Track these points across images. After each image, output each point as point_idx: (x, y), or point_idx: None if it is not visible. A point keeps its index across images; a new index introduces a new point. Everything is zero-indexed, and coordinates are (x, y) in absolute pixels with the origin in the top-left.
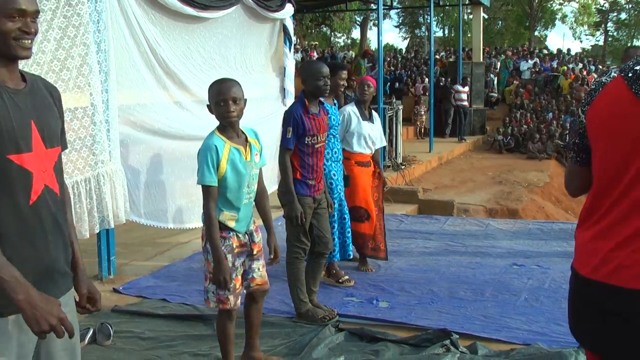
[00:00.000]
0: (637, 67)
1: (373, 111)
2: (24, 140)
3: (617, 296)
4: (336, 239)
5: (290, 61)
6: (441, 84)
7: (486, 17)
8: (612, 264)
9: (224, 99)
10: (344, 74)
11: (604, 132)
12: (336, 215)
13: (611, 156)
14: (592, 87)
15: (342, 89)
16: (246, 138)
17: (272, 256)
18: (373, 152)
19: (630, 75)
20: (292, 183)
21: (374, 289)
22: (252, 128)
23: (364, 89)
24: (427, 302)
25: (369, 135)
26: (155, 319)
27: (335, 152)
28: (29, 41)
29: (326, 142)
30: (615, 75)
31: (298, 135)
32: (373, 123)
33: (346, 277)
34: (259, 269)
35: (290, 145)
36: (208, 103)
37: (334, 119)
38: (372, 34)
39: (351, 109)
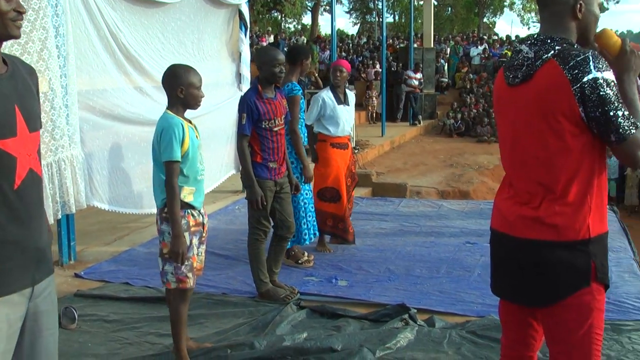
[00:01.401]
0: (510, 55)
1: (348, 91)
2: (8, 125)
3: (524, 247)
4: (304, 222)
5: (246, 47)
6: (393, 69)
7: (436, 3)
8: (517, 218)
9: (200, 86)
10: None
11: (496, 113)
12: (300, 200)
13: (501, 133)
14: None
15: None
16: (190, 121)
17: None
18: (350, 134)
19: (505, 64)
20: (250, 167)
21: (332, 268)
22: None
23: (336, 74)
24: (385, 279)
25: (346, 119)
26: (119, 302)
27: (300, 138)
28: (21, 21)
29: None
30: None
31: (254, 121)
32: (349, 105)
33: (305, 258)
34: (201, 253)
35: (245, 131)
36: (181, 86)
37: (302, 102)
38: (322, 19)
39: (326, 95)
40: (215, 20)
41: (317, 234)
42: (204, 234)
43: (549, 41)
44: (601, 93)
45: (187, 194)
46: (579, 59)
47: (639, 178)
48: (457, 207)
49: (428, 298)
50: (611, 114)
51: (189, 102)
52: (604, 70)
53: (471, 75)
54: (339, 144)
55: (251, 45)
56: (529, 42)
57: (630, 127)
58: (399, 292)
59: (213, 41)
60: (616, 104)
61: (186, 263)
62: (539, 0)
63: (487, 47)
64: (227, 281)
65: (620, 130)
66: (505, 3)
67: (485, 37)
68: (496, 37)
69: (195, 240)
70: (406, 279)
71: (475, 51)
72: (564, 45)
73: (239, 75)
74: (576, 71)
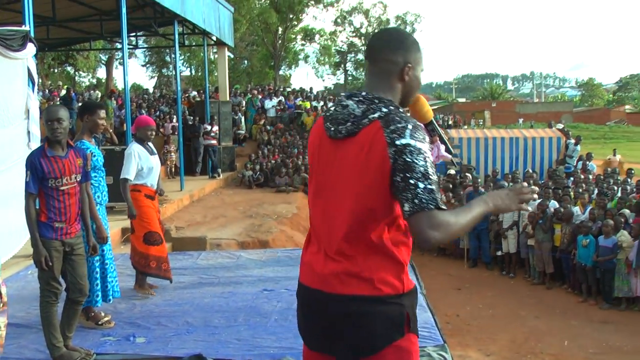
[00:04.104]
0: (332, 108)
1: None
2: None
3: (340, 302)
4: (98, 284)
5: (34, 102)
6: (189, 122)
7: (232, 56)
8: (331, 274)
9: None
10: (102, 112)
11: (313, 163)
12: (98, 261)
13: (317, 183)
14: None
15: (102, 128)
16: None
17: None
18: (156, 187)
19: (326, 115)
20: (35, 227)
21: (130, 326)
22: None
23: (151, 133)
24: (184, 332)
25: (157, 168)
26: None
27: (103, 194)
28: None
29: (89, 184)
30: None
31: (40, 179)
32: (156, 155)
33: (106, 318)
34: (1, 328)
35: (30, 189)
36: None
37: (99, 160)
38: (117, 73)
39: (137, 147)
40: (5, 75)
41: (117, 294)
42: (3, 305)
43: (376, 101)
44: (407, 159)
45: None
46: (400, 125)
47: None
48: (255, 257)
49: (226, 347)
50: (412, 181)
51: None
52: (419, 140)
53: (268, 127)
54: (151, 195)
55: (46, 100)
56: (357, 98)
57: (429, 202)
58: (198, 343)
59: (4, 99)
60: (420, 175)
61: None
62: (370, 54)
63: (282, 99)
64: (19, 350)
65: (416, 200)
66: (299, 57)
67: (281, 89)
68: (290, 89)
69: (2, 319)
70: (204, 330)
71: (269, 103)
72: (391, 107)
73: (28, 133)
74: (394, 135)
